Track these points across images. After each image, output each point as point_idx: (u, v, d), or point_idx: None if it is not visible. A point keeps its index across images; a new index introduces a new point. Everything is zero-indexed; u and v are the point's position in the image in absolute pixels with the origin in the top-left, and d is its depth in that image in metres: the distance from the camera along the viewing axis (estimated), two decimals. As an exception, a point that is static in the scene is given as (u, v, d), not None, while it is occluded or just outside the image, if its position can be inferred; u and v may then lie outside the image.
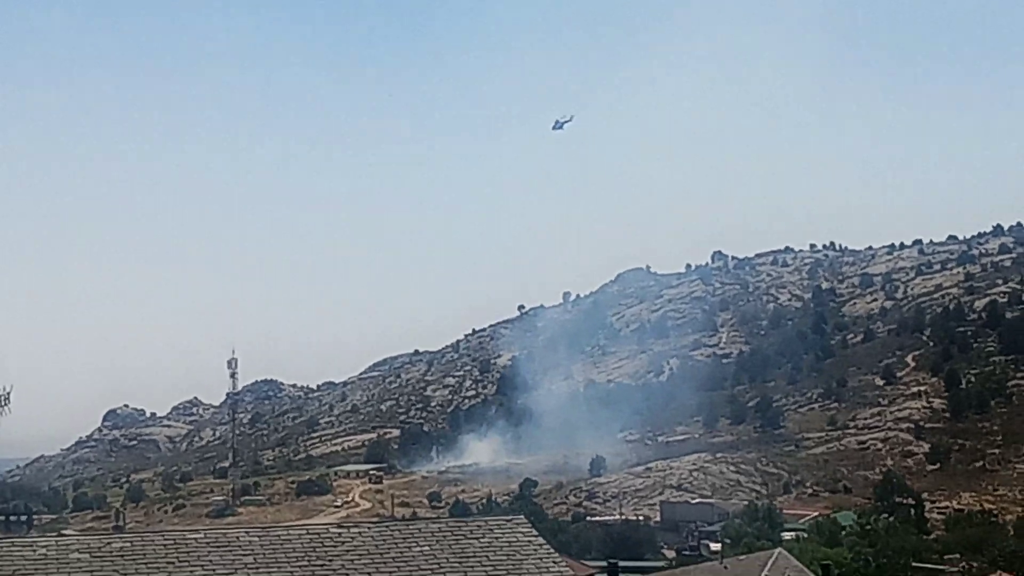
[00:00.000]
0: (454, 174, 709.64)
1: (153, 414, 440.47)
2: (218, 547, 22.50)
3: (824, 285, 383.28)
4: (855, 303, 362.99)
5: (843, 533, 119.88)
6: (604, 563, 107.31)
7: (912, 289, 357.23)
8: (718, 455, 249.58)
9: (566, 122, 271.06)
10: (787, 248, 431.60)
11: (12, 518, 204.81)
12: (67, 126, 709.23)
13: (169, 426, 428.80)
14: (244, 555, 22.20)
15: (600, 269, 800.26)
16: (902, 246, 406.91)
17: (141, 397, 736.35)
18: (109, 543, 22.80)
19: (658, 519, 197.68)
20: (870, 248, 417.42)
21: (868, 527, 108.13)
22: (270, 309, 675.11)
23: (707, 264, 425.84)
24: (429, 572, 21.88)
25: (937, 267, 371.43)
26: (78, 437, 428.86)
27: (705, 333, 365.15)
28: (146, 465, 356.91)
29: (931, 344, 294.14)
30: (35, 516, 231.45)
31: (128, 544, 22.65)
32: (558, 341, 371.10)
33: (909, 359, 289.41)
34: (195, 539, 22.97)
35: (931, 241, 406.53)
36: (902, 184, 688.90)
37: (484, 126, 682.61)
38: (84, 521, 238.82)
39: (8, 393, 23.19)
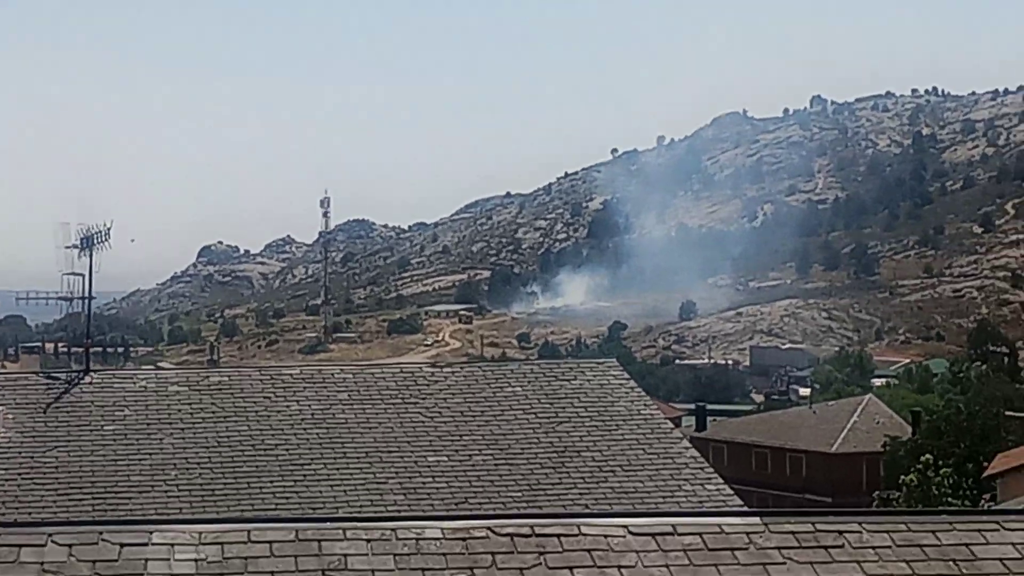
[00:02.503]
0: (545, 13, 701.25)
1: (247, 251, 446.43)
2: (313, 383, 22.90)
3: (925, 131, 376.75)
4: (956, 150, 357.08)
5: (935, 380, 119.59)
6: (692, 406, 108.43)
7: (1015, 136, 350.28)
8: (810, 301, 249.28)
9: None
10: (888, 93, 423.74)
11: (110, 350, 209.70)
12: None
13: (263, 263, 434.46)
14: (339, 391, 22.60)
15: (696, 113, 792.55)
16: (1006, 92, 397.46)
17: (235, 234, 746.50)
18: (207, 377, 23.31)
19: (748, 364, 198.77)
20: (973, 93, 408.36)
21: (960, 375, 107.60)
22: (363, 149, 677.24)
23: (805, 109, 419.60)
24: (520, 413, 22.15)
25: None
26: (173, 272, 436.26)
27: (801, 178, 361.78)
28: (239, 301, 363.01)
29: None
30: (131, 348, 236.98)
31: (225, 378, 23.13)
32: (652, 185, 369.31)
33: (1009, 207, 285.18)
34: (291, 375, 23.39)
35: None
36: (1007, 27, 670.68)
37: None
38: (179, 354, 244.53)
39: (108, 229, 23.54)
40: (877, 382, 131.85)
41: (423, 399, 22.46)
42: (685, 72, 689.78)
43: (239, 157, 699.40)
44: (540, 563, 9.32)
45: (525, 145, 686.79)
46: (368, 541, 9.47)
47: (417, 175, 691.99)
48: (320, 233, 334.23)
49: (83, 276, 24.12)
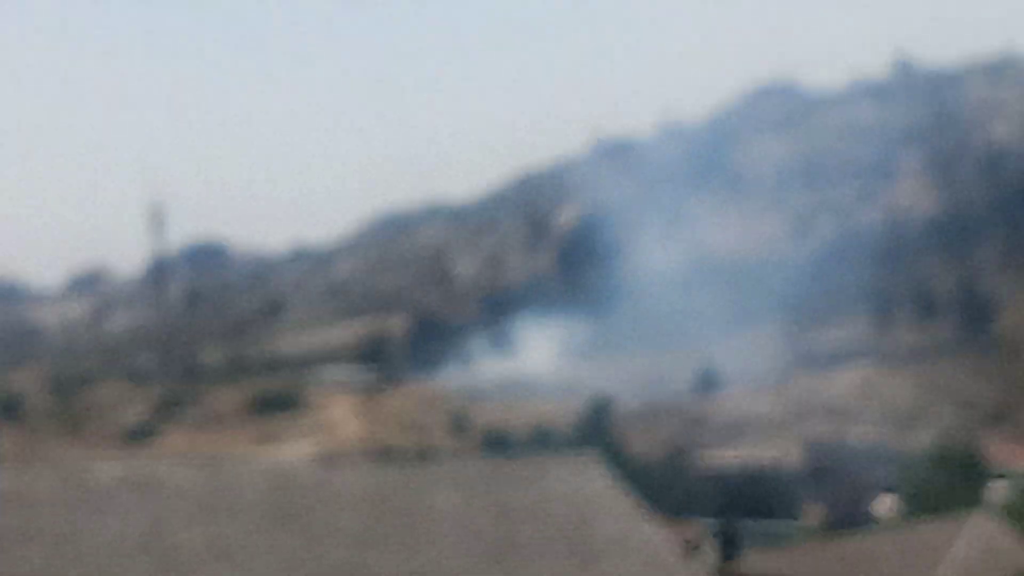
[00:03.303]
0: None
1: (39, 288, 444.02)
2: (138, 489, 22.79)
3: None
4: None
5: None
6: (717, 525, 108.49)
7: None
8: (893, 367, 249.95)
9: None
10: (1007, 55, 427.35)
11: None
12: None
13: (62, 305, 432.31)
14: (177, 501, 22.50)
15: (720, 83, 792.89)
16: None
17: (21, 263, 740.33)
18: (-24, 481, 23.17)
19: (800, 461, 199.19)
20: None
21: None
22: (216, 136, 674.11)
23: (885, 78, 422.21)
24: (456, 537, 21.96)
25: None
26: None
27: (879, 181, 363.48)
28: (26, 362, 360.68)
29: None
30: None
31: (4, 482, 23.00)
32: (653, 190, 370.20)
33: None
34: (105, 476, 23.31)
35: None
36: None
37: None
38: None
39: None
40: (994, 488, 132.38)
41: (305, 515, 22.35)
42: (703, 24, 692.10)
43: (28, 152, 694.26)
44: None
45: (461, 131, 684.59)
46: None
47: (297, 176, 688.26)
48: (153, 260, 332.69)
49: None
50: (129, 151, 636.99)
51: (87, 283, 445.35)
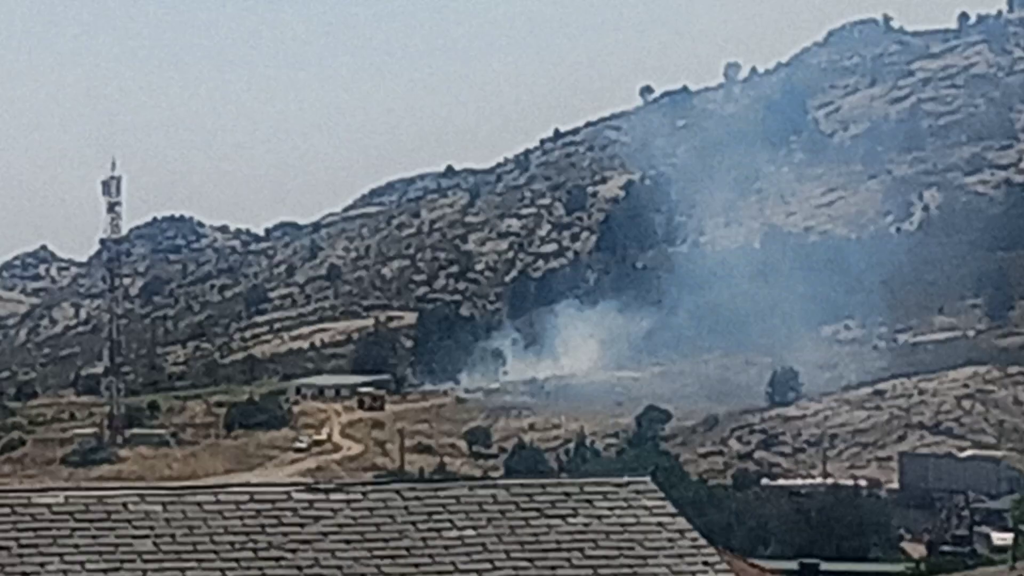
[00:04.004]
0: None
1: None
2: (90, 522, 22.79)
3: None
4: None
5: None
6: (795, 564, 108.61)
7: None
8: (1012, 370, 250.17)
9: None
10: None
11: None
12: None
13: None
14: (138, 535, 22.51)
15: (798, 22, 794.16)
16: None
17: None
18: None
19: (896, 486, 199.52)
20: None
21: None
22: (183, 95, 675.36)
23: (999, 14, 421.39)
24: (477, 576, 22.09)
25: None
26: None
27: (993, 143, 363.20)
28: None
29: None
30: None
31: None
32: (717, 152, 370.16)
33: None
34: (49, 506, 23.32)
35: None
36: None
37: None
38: None
39: None
40: None
41: (295, 550, 22.40)
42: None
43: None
44: None
45: (480, 81, 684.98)
46: None
47: (281, 140, 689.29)
48: (103, 242, 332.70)
49: None
50: (83, 114, 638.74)
51: (26, 269, 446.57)
